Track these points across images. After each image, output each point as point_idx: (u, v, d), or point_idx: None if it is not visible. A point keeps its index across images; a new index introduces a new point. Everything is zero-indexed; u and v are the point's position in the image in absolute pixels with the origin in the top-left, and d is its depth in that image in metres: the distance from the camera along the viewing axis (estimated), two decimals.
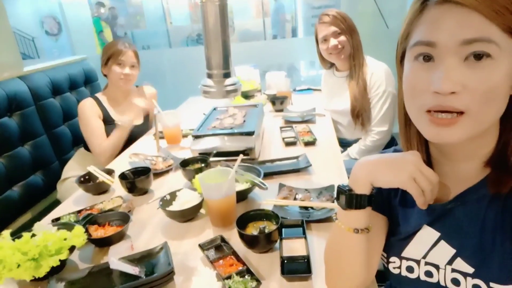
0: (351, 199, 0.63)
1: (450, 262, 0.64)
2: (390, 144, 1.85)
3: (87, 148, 1.90)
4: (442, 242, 0.65)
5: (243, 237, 0.91)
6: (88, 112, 1.82)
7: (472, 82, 0.52)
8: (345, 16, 1.80)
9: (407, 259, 0.70)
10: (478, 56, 0.51)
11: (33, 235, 0.92)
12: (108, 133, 1.83)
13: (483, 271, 0.59)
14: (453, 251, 0.63)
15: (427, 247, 0.67)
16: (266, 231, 0.91)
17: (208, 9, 1.16)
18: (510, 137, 0.59)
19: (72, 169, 1.86)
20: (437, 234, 0.66)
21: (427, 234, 0.67)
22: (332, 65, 1.99)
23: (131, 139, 1.88)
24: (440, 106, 0.55)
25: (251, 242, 0.91)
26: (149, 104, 1.86)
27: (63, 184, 1.85)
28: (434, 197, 0.61)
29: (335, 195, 1.10)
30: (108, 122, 1.86)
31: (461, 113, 0.54)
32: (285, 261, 0.86)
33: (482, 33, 0.51)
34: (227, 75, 1.25)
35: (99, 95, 1.92)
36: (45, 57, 5.42)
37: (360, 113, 1.79)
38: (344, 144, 1.98)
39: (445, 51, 0.53)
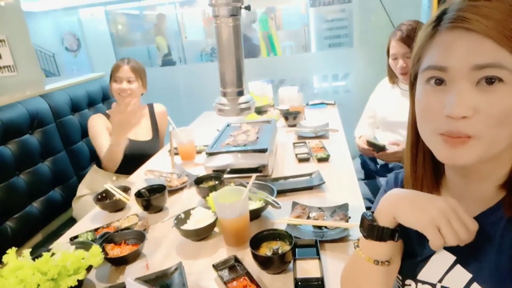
0: (372, 230, 0.62)
1: (466, 286, 0.62)
2: None
3: (98, 165, 1.93)
4: (458, 266, 0.64)
5: (256, 258, 0.91)
6: (96, 126, 1.87)
7: (484, 106, 0.52)
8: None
9: (423, 282, 0.69)
10: (490, 81, 0.52)
11: (53, 254, 0.95)
12: None
13: None
14: (469, 275, 0.62)
15: (443, 271, 0.66)
16: (280, 252, 0.91)
17: (222, 30, 1.19)
18: None
19: (86, 187, 1.90)
20: (453, 258, 0.65)
21: (443, 257, 0.66)
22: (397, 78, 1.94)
23: (139, 155, 1.90)
24: (451, 131, 0.55)
25: (264, 263, 0.91)
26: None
27: (78, 202, 1.88)
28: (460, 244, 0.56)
29: (349, 215, 1.10)
30: None
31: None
32: (299, 283, 0.85)
33: (493, 58, 0.51)
34: (240, 93, 1.27)
35: (109, 111, 1.96)
36: (65, 73, 5.59)
37: None
38: None
39: (457, 76, 0.54)
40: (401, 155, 1.65)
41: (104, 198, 1.37)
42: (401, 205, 0.60)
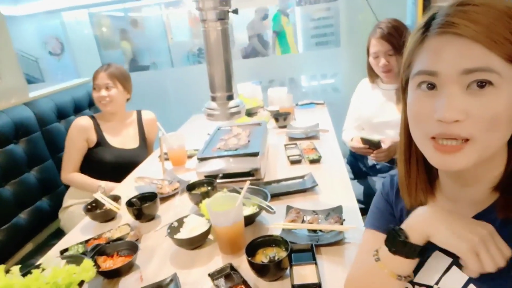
0: (404, 247, 0.61)
1: None
2: None
3: (83, 173, 1.89)
4: (455, 268, 0.64)
5: (253, 266, 0.90)
6: (74, 135, 1.83)
7: (475, 110, 0.52)
8: (402, 30, 1.70)
9: (420, 285, 0.69)
10: (480, 84, 0.52)
11: (43, 270, 0.92)
12: (100, 155, 1.85)
13: None
14: (465, 277, 0.62)
15: (439, 273, 0.66)
16: (276, 258, 0.90)
17: (211, 34, 1.18)
18: None
19: (73, 197, 1.86)
20: (449, 260, 0.65)
21: (439, 260, 0.66)
22: (376, 77, 1.92)
23: (126, 163, 1.87)
24: (444, 134, 0.55)
25: (261, 271, 0.90)
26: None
27: (65, 213, 1.84)
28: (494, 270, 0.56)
29: (343, 217, 1.09)
30: (101, 144, 1.87)
31: (466, 140, 0.54)
32: None
33: (483, 63, 0.51)
34: (230, 97, 1.26)
35: (96, 115, 1.94)
36: (49, 78, 5.47)
37: None
38: None
39: (447, 80, 0.54)
40: (394, 149, 1.63)
41: (94, 208, 1.34)
42: (439, 226, 0.58)
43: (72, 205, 1.82)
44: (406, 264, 0.62)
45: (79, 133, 1.83)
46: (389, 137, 1.77)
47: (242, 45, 3.74)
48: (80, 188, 1.84)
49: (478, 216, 0.62)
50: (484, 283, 0.60)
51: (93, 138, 1.86)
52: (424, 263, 0.68)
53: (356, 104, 2.02)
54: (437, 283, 0.66)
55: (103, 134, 1.89)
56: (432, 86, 0.57)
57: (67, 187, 1.93)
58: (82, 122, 1.86)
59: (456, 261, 0.64)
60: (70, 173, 1.84)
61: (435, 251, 0.66)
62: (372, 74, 1.90)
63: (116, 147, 1.90)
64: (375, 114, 1.85)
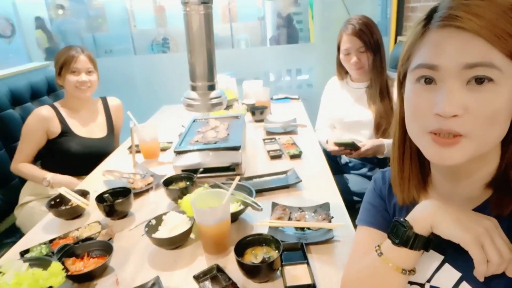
0: (408, 237, 0.59)
1: (455, 286, 0.62)
2: None
3: (43, 165, 1.75)
4: (447, 265, 0.64)
5: (242, 266, 0.84)
6: (33, 126, 1.67)
7: (474, 106, 0.52)
8: (373, 27, 1.68)
9: (411, 282, 0.68)
10: (480, 80, 0.52)
11: (2, 274, 0.81)
12: (66, 145, 1.71)
13: None
14: (458, 274, 0.62)
15: (431, 270, 0.65)
16: (268, 259, 0.85)
17: (193, 18, 1.10)
18: (511, 160, 0.59)
19: (30, 192, 1.70)
20: (441, 257, 0.64)
21: (431, 257, 0.65)
22: (345, 73, 1.89)
23: (94, 153, 1.75)
24: (441, 129, 0.54)
25: (251, 272, 0.84)
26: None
27: (22, 210, 1.68)
28: (497, 273, 0.55)
29: (331, 214, 1.06)
30: (66, 134, 1.72)
31: (460, 135, 0.54)
32: None
33: (484, 58, 0.51)
34: (212, 87, 1.20)
35: (58, 104, 1.78)
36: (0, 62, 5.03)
37: (386, 131, 1.68)
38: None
39: (447, 75, 0.53)
40: (372, 152, 1.64)
41: (58, 204, 1.21)
42: (443, 217, 0.57)
43: (31, 201, 1.66)
44: (411, 257, 0.61)
45: (39, 124, 1.67)
46: (362, 136, 1.78)
47: None
48: (29, 179, 1.70)
49: None
50: (476, 281, 0.59)
51: (56, 128, 1.70)
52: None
53: (326, 103, 2.00)
54: (429, 281, 0.66)
55: (67, 123, 1.74)
56: (430, 81, 0.56)
57: (22, 181, 1.76)
58: (43, 112, 1.69)
59: (448, 258, 0.64)
60: (19, 164, 1.69)
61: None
62: (341, 71, 1.87)
63: (83, 137, 1.75)
64: (346, 113, 1.84)
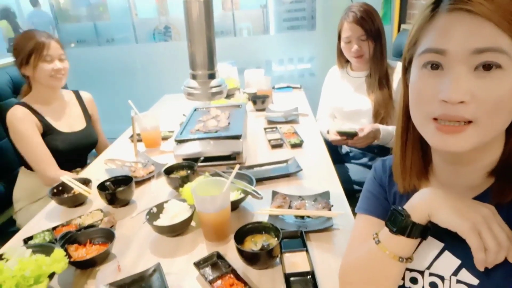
0: (406, 225, 0.59)
1: (455, 273, 0.62)
2: None
3: (28, 167, 1.63)
4: (447, 253, 0.64)
5: (242, 253, 0.85)
6: (24, 127, 1.53)
7: (481, 92, 0.51)
8: (374, 15, 1.67)
9: (411, 270, 0.68)
10: (488, 66, 0.51)
11: (6, 260, 0.82)
12: (52, 144, 1.60)
13: (488, 283, 0.58)
14: (458, 261, 0.62)
15: (431, 258, 0.65)
16: (267, 246, 0.86)
17: (192, 6, 1.09)
18: None
19: (23, 197, 1.64)
20: (441, 245, 0.64)
21: (431, 245, 0.65)
22: (345, 62, 1.88)
23: (79, 146, 1.70)
24: (447, 115, 0.54)
25: (251, 259, 0.85)
26: None
27: (20, 214, 1.63)
28: (498, 262, 0.54)
29: (331, 203, 1.07)
30: (49, 132, 1.62)
31: (468, 122, 0.53)
32: (290, 278, 0.81)
33: (494, 43, 0.50)
34: (212, 76, 1.19)
35: (27, 100, 1.61)
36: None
37: (385, 120, 1.69)
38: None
39: (455, 60, 0.52)
40: (372, 135, 1.63)
41: (61, 192, 1.22)
42: (440, 205, 0.57)
43: (25, 206, 1.62)
44: (408, 245, 0.61)
45: (26, 120, 1.54)
46: (362, 125, 1.77)
47: None
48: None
49: None
50: (475, 269, 0.59)
51: (38, 128, 1.59)
52: (416, 248, 0.67)
53: (327, 93, 1.99)
54: (428, 268, 0.66)
55: (46, 120, 1.62)
56: (437, 66, 0.55)
57: (8, 183, 1.70)
58: (18, 111, 1.54)
59: (448, 246, 0.64)
60: (55, 171, 1.55)
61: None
62: (342, 60, 1.86)
63: (66, 132, 1.67)
64: (346, 103, 1.83)
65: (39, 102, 1.63)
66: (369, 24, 1.65)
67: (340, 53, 1.83)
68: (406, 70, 0.64)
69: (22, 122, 1.54)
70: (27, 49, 1.54)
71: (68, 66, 1.65)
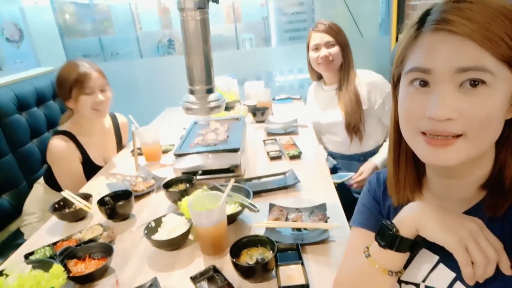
0: (394, 240, 0.60)
1: (450, 286, 0.62)
2: None
3: (48, 182, 1.63)
4: (441, 265, 0.64)
5: (238, 267, 0.86)
6: (67, 160, 1.53)
7: (468, 109, 0.52)
8: (340, 29, 1.76)
9: (406, 282, 0.68)
10: (474, 83, 0.52)
11: (6, 276, 0.84)
12: (85, 175, 1.60)
13: None
14: (452, 274, 0.62)
15: (426, 271, 0.66)
16: (262, 260, 0.87)
17: (189, 24, 1.12)
18: (506, 161, 0.59)
19: (36, 211, 1.66)
20: (436, 258, 0.65)
21: (426, 257, 0.66)
22: (320, 77, 1.93)
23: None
24: (435, 130, 0.55)
25: (246, 272, 0.86)
26: None
27: (27, 228, 1.65)
28: (488, 276, 0.54)
29: (327, 214, 1.08)
30: (87, 166, 1.61)
31: (458, 135, 0.54)
32: None
33: (476, 62, 0.51)
34: (210, 90, 1.21)
35: (71, 129, 1.60)
36: (7, 66, 5.13)
37: (356, 128, 1.74)
38: (341, 157, 1.91)
39: (440, 78, 0.53)
40: (371, 172, 1.67)
41: (62, 207, 1.24)
42: (428, 219, 0.58)
43: (33, 222, 1.64)
44: (397, 259, 0.62)
45: (71, 157, 1.56)
46: (340, 136, 1.84)
47: None
48: None
49: (466, 214, 0.62)
50: None
51: (80, 160, 1.60)
52: (411, 261, 0.68)
53: (309, 108, 2.06)
54: (424, 281, 0.66)
55: (87, 152, 1.62)
56: (424, 83, 0.56)
57: (29, 185, 1.77)
58: (63, 147, 1.54)
59: (443, 258, 0.64)
60: None
61: (422, 248, 0.66)
62: (313, 73, 1.92)
63: (100, 166, 1.67)
64: (322, 116, 1.89)
65: (82, 133, 1.62)
66: (337, 33, 1.73)
67: (311, 67, 1.89)
68: (396, 86, 0.65)
69: (65, 158, 1.54)
70: (69, 83, 1.52)
71: (111, 96, 1.62)
